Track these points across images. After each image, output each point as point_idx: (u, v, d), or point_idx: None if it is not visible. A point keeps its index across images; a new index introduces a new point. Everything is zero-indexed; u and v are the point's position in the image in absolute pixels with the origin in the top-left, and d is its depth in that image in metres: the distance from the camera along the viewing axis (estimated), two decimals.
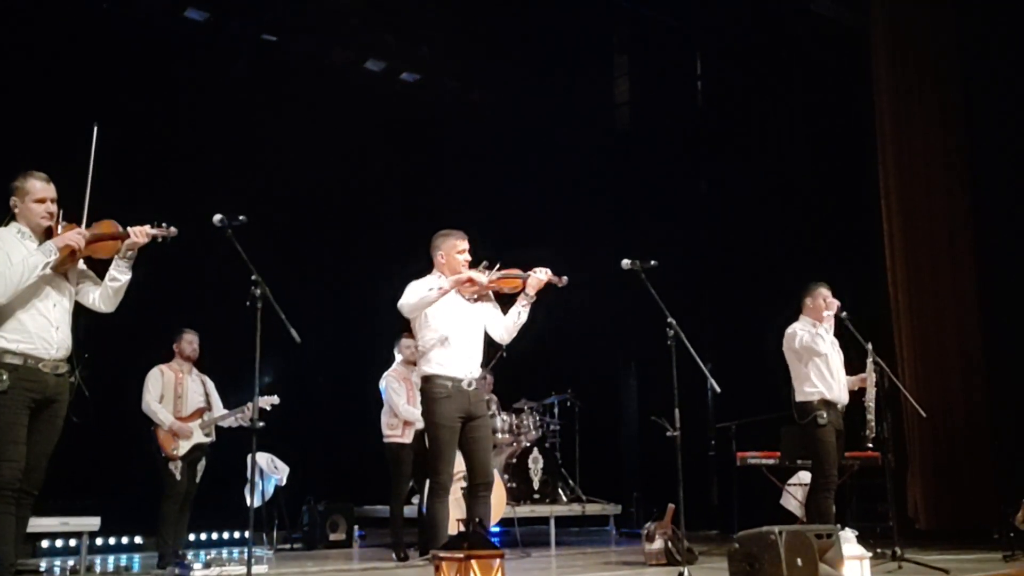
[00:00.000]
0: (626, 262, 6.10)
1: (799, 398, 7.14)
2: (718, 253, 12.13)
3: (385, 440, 8.41)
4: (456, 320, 5.80)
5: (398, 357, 8.56)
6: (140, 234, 4.82)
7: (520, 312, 5.92)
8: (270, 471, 9.45)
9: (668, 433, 5.86)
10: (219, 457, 7.84)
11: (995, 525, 7.96)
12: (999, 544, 7.49)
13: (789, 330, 7.28)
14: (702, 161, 12.77)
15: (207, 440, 7.64)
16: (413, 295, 5.70)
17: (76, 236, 4.70)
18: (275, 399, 7.63)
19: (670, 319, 5.90)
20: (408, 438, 8.35)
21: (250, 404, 5.32)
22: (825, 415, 6.98)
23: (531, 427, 10.11)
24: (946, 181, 10.09)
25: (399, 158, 11.83)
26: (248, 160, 10.03)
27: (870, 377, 7.09)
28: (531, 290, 5.88)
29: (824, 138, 11.07)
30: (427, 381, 5.70)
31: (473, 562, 3.70)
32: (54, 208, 4.76)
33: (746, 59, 11.99)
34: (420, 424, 8.27)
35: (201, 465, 7.62)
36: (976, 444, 9.49)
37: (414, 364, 8.49)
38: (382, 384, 8.49)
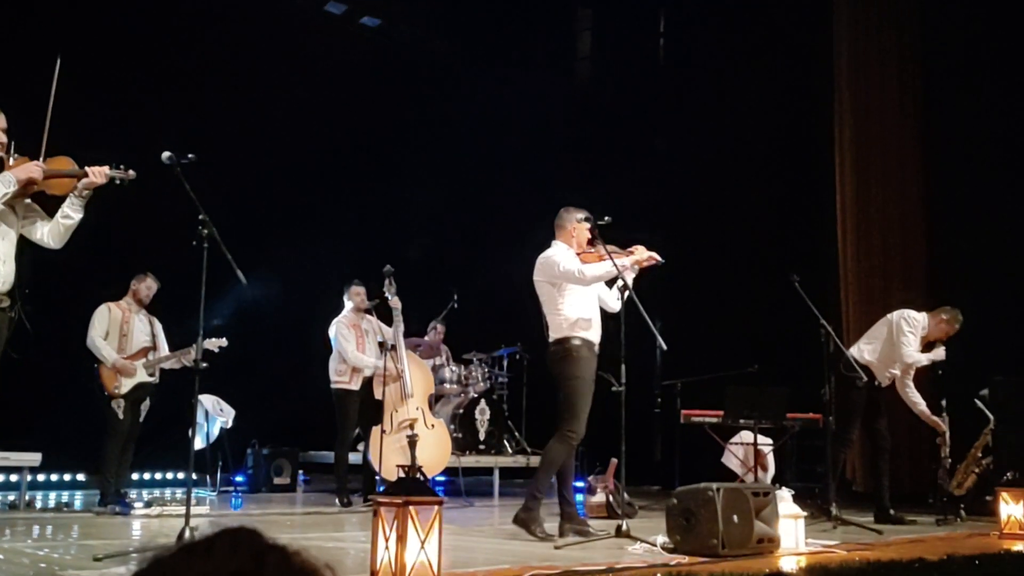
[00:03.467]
0: (580, 216, 6.12)
1: (854, 354, 7.60)
2: (671, 211, 12.17)
3: (333, 386, 8.39)
4: (594, 292, 6.19)
5: (348, 304, 8.51)
6: (98, 174, 4.76)
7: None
8: (215, 413, 9.42)
9: (614, 388, 5.91)
10: (165, 398, 7.78)
11: (930, 490, 8.17)
12: (933, 508, 7.69)
13: (916, 316, 7.68)
14: (660, 118, 12.77)
15: (151, 380, 7.58)
16: (598, 269, 5.99)
17: (36, 168, 4.63)
18: (223, 341, 7.57)
19: (621, 275, 5.93)
20: (356, 385, 8.34)
21: (195, 345, 5.27)
22: (865, 380, 7.44)
23: (479, 378, 10.17)
24: (901, 150, 10.18)
25: (357, 103, 11.69)
26: (202, 99, 9.87)
27: (945, 426, 7.79)
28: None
29: (782, 101, 11.10)
30: (570, 342, 5.99)
31: (411, 508, 3.72)
32: (4, 138, 4.66)
33: (709, 19, 11.97)
34: (369, 371, 8.30)
35: (145, 405, 7.55)
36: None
37: (365, 312, 8.50)
38: (332, 331, 8.45)
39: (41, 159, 4.72)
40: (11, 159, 4.68)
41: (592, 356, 6.03)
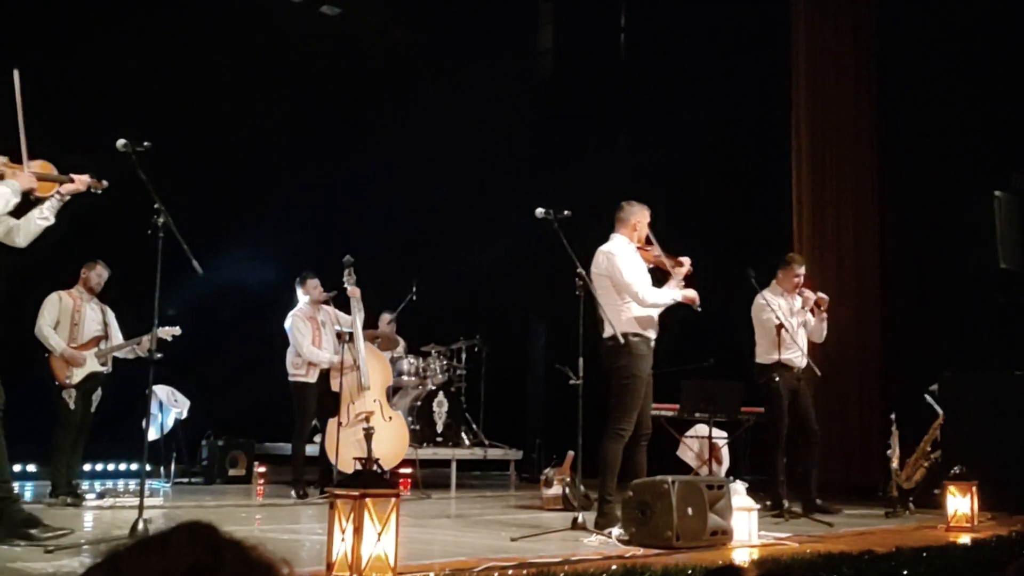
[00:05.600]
0: (540, 211, 6.13)
1: (758, 360, 7.59)
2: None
3: (290, 378, 8.35)
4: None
5: (303, 297, 8.44)
6: (82, 183, 5.00)
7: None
8: (170, 404, 9.32)
9: (571, 381, 5.94)
10: (119, 388, 7.68)
11: (881, 482, 8.28)
12: (883, 501, 7.80)
13: (763, 295, 7.64)
14: (621, 114, 12.80)
15: (102, 370, 7.47)
16: (659, 296, 6.13)
17: (30, 179, 4.80)
18: (176, 329, 7.49)
19: (579, 269, 5.95)
20: (312, 378, 8.30)
21: (148, 335, 5.26)
22: (779, 378, 7.41)
23: (438, 371, 10.15)
24: (856, 147, 10.29)
25: (317, 93, 11.62)
26: (160, 87, 9.75)
27: (895, 441, 7.71)
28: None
29: (742, 96, 11.17)
30: (628, 338, 6.00)
31: (368, 501, 3.71)
32: None
33: (670, 14, 12.01)
34: (325, 365, 8.26)
35: (97, 395, 7.45)
36: (868, 405, 9.80)
37: (325, 303, 8.45)
38: (288, 323, 8.39)
39: (24, 163, 4.83)
40: None
41: (649, 353, 6.09)
